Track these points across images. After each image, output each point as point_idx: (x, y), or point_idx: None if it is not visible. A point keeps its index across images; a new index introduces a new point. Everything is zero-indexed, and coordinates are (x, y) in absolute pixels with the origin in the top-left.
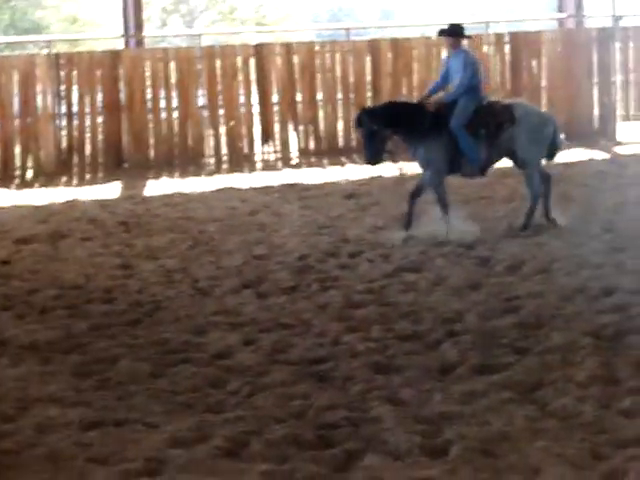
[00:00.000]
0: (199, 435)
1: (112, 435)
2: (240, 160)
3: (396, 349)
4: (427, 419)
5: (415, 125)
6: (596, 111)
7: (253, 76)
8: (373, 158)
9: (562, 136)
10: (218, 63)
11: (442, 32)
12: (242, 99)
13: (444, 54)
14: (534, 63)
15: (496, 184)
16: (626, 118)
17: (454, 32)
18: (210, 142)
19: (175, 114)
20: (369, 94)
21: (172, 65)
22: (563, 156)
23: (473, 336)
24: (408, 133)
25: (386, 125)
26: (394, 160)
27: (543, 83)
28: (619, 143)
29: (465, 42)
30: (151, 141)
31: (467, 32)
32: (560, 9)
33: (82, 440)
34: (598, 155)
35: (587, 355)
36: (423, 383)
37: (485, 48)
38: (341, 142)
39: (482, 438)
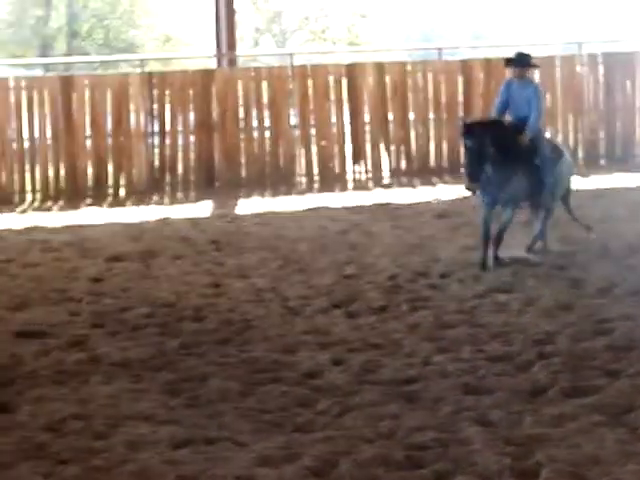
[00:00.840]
0: (288, 454)
1: (202, 453)
2: (331, 180)
3: (486, 370)
4: (517, 441)
5: (514, 151)
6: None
7: (345, 96)
8: (476, 176)
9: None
10: (310, 82)
11: (509, 61)
12: (334, 118)
13: (537, 74)
14: (628, 83)
15: (586, 206)
16: None
17: (522, 62)
18: (302, 161)
19: (267, 133)
20: (461, 114)
21: (264, 84)
22: None
23: (564, 358)
24: (504, 158)
25: (492, 143)
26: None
27: (637, 104)
28: None
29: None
30: (243, 160)
31: (534, 61)
32: None
33: (172, 458)
34: None
35: None
36: (513, 405)
37: (578, 68)
38: (433, 162)
39: (572, 461)
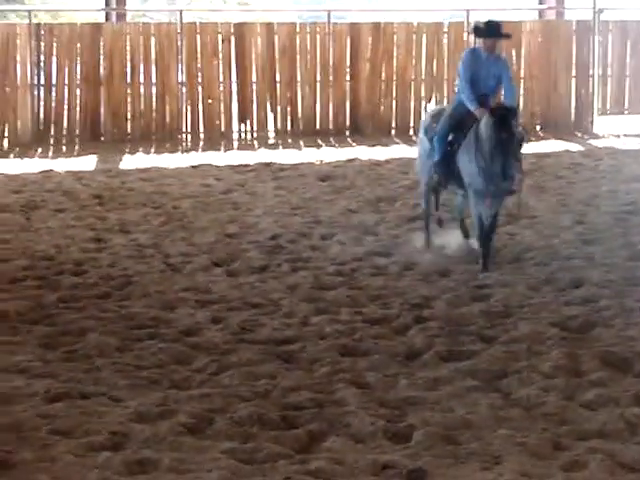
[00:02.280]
0: (163, 411)
1: (77, 407)
2: (217, 138)
3: (364, 332)
4: (391, 404)
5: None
6: (573, 104)
7: (233, 55)
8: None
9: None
10: (198, 40)
11: (480, 31)
12: (221, 77)
13: (424, 40)
14: (513, 53)
15: None
16: (603, 112)
17: (497, 32)
18: (188, 119)
19: (154, 89)
20: (348, 77)
21: (152, 40)
22: (538, 147)
23: (440, 323)
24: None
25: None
26: None
27: (522, 73)
28: (595, 136)
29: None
30: (129, 115)
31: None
32: (541, 0)
33: (47, 411)
34: (573, 147)
35: (553, 346)
36: (389, 368)
37: (465, 36)
38: (318, 124)
39: (445, 424)
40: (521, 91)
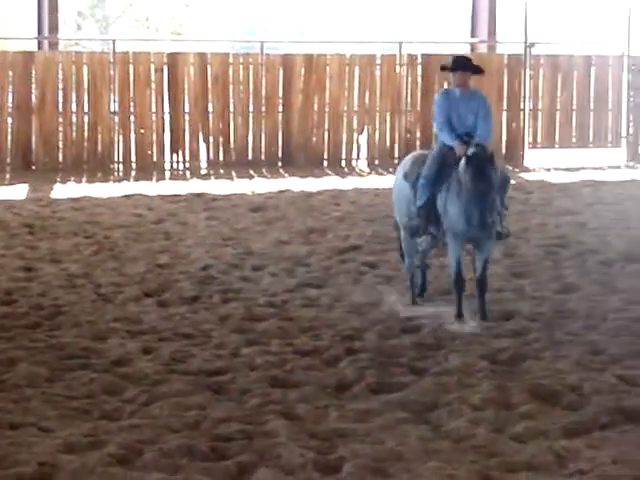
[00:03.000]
0: (93, 441)
1: (6, 438)
2: (149, 168)
3: (294, 364)
4: (322, 435)
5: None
6: (504, 137)
7: (166, 84)
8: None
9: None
10: (131, 69)
11: (451, 67)
12: (154, 107)
13: (357, 72)
14: (446, 85)
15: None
16: (534, 146)
17: (469, 67)
18: (119, 148)
19: (86, 118)
20: (280, 108)
21: (85, 69)
22: None
23: (371, 354)
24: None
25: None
26: None
27: None
28: (526, 169)
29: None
30: (60, 144)
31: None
32: (473, 34)
33: None
34: None
35: (483, 378)
36: (319, 399)
37: (397, 69)
38: (251, 155)
39: (375, 456)
40: None
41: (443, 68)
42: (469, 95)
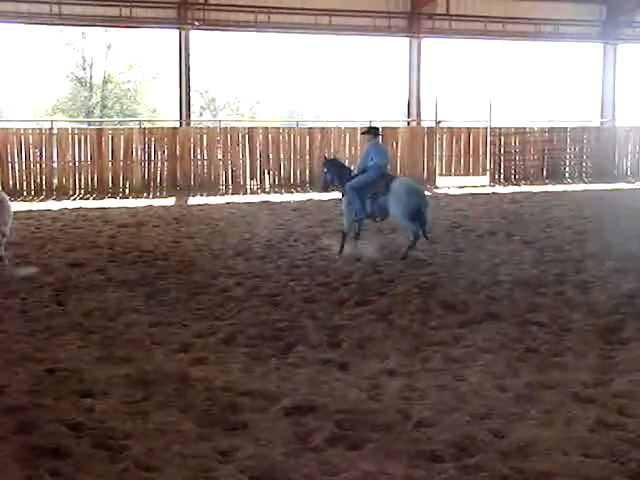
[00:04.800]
0: (211, 332)
1: (152, 332)
2: (238, 188)
3: (316, 290)
4: (330, 328)
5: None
6: (426, 170)
7: (247, 144)
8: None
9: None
10: (229, 137)
11: (368, 131)
12: (240, 156)
13: (347, 138)
14: (394, 143)
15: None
16: (441, 174)
17: (375, 131)
18: (223, 177)
19: (205, 163)
20: (307, 157)
21: (205, 137)
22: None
23: (356, 285)
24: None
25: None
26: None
27: (399, 154)
28: (437, 187)
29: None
30: (192, 175)
31: (378, 130)
32: (408, 115)
33: None
34: (426, 193)
35: (415, 297)
36: (329, 309)
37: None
38: (292, 180)
39: (359, 338)
40: (399, 164)
41: (363, 133)
42: (374, 144)
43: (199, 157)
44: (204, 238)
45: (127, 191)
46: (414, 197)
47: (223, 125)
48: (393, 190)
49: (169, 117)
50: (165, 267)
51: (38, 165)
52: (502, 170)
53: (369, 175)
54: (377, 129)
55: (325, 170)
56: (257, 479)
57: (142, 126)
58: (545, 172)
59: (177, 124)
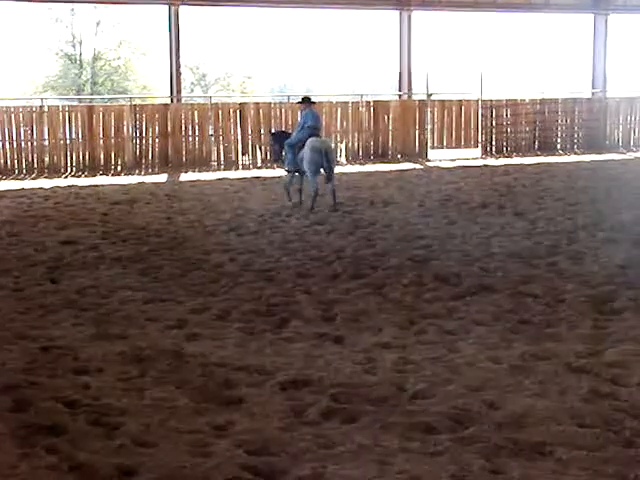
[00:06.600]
0: (203, 308)
1: (145, 308)
2: (230, 164)
3: (310, 265)
4: (325, 302)
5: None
6: (417, 143)
7: (238, 119)
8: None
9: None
10: (220, 112)
11: (303, 101)
12: (232, 131)
13: (339, 111)
14: (386, 117)
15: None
16: (432, 147)
17: (309, 100)
18: (215, 153)
19: (196, 139)
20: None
21: (196, 113)
22: (399, 166)
23: (350, 259)
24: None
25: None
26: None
27: (390, 127)
28: (429, 160)
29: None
30: (183, 152)
31: (314, 100)
32: (399, 88)
33: None
34: (417, 166)
35: (409, 270)
36: (323, 283)
37: (360, 109)
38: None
39: (354, 312)
40: (390, 136)
41: (298, 103)
42: (309, 111)
43: (190, 133)
44: (197, 214)
45: (119, 168)
46: (316, 153)
47: (214, 101)
48: (305, 147)
49: (160, 94)
50: (158, 244)
51: (29, 143)
52: (494, 142)
53: (302, 134)
54: (309, 98)
55: (272, 143)
56: (253, 453)
57: (133, 103)
58: (537, 144)
59: (168, 100)
